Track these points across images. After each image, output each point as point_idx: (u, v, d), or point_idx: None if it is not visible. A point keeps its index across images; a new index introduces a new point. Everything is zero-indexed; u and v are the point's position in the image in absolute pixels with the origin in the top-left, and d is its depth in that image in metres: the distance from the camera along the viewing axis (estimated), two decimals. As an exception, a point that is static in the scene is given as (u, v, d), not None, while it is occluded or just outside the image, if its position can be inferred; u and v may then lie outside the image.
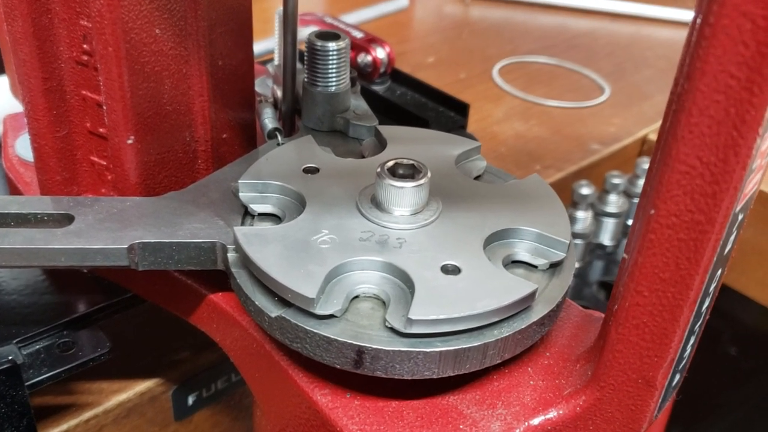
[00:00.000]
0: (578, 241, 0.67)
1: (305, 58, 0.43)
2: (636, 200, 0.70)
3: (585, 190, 0.65)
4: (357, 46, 0.62)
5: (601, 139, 0.74)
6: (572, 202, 0.67)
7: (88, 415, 0.45)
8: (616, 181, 0.68)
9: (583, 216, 0.67)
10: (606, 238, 0.70)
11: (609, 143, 0.73)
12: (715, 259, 0.28)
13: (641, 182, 0.71)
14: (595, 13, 1.00)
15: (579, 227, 0.67)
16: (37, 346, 0.40)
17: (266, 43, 0.72)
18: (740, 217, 0.29)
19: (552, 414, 0.33)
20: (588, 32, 0.96)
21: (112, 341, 0.41)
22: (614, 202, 0.69)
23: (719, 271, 0.30)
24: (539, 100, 0.79)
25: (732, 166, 0.25)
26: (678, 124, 0.25)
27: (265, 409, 0.38)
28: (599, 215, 0.69)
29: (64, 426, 0.44)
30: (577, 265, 0.68)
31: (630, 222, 0.71)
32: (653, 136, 0.76)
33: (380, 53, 0.62)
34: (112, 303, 0.42)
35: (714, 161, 0.25)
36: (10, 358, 0.37)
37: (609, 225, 0.70)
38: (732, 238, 0.29)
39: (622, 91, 0.83)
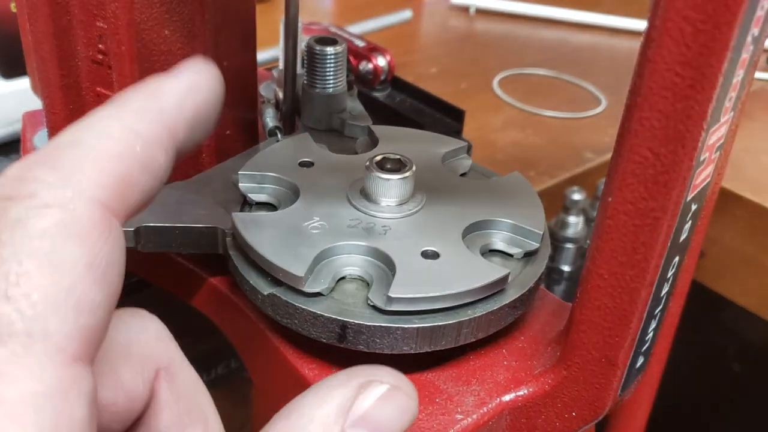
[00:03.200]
0: (570, 246, 0.70)
1: (305, 61, 0.46)
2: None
3: (576, 196, 0.68)
4: (359, 55, 0.65)
5: (595, 149, 0.76)
6: (564, 207, 0.69)
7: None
8: (607, 188, 0.71)
9: (575, 221, 0.69)
10: (598, 244, 0.73)
11: (602, 152, 0.76)
12: (669, 244, 0.30)
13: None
14: (596, 28, 1.03)
15: (570, 232, 0.69)
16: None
17: (273, 51, 0.75)
18: (693, 207, 0.31)
19: (522, 391, 0.35)
20: (588, 46, 0.99)
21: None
22: (606, 209, 0.71)
23: (677, 258, 0.33)
24: (537, 110, 0.82)
25: (680, 157, 0.28)
26: (631, 117, 0.28)
27: (259, 386, 0.41)
28: (590, 221, 0.72)
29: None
30: (568, 268, 0.71)
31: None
32: (647, 147, 0.79)
33: (381, 61, 0.65)
34: (120, 286, 0.45)
35: (664, 152, 0.28)
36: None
37: (601, 231, 0.72)
38: (687, 227, 0.32)
39: (619, 103, 0.85)
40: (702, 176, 0.30)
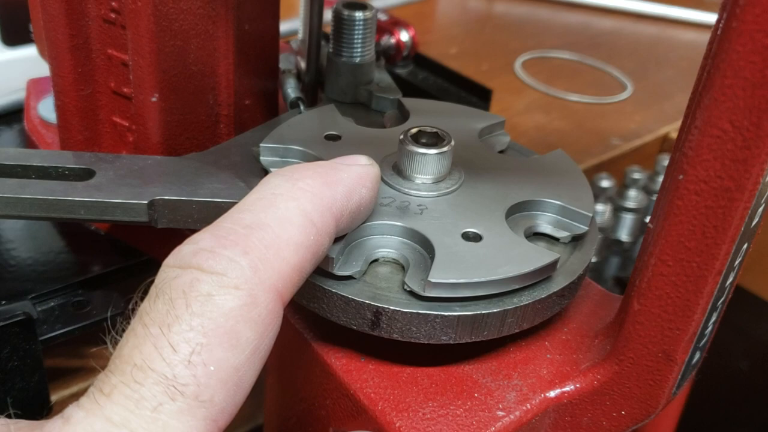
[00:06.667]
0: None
1: (331, 27, 0.43)
2: (656, 197, 0.69)
3: (605, 183, 0.65)
4: (381, 28, 0.62)
5: (621, 135, 0.73)
6: (591, 194, 0.66)
7: (98, 378, 0.45)
8: (636, 176, 0.68)
9: (602, 209, 0.66)
10: (623, 234, 0.70)
11: (630, 139, 0.73)
12: (742, 229, 0.28)
13: (661, 179, 0.70)
14: (619, 13, 0.99)
15: (597, 221, 0.66)
16: (52, 304, 0.40)
17: (289, 23, 0.72)
18: (770, 188, 0.28)
19: (569, 387, 0.33)
20: (611, 31, 0.96)
21: (125, 303, 0.41)
22: (633, 198, 0.68)
23: (745, 246, 0.30)
24: (561, 94, 0.79)
25: (765, 130, 0.25)
26: (711, 86, 0.25)
27: (278, 376, 0.38)
28: (618, 210, 0.69)
29: (75, 388, 0.44)
30: (593, 259, 0.68)
31: (649, 219, 0.70)
32: (674, 135, 0.76)
33: (404, 36, 0.61)
34: (128, 265, 0.42)
35: (747, 125, 0.25)
36: (25, 311, 0.37)
37: (627, 221, 0.69)
38: (760, 210, 0.29)
39: (644, 89, 0.82)
40: (783, 154, 0.27)
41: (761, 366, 0.95)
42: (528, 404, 0.32)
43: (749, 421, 0.93)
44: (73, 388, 0.44)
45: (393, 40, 0.61)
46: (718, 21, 0.25)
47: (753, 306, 0.86)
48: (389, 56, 0.62)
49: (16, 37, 0.63)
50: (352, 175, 0.29)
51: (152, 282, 0.25)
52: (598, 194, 0.65)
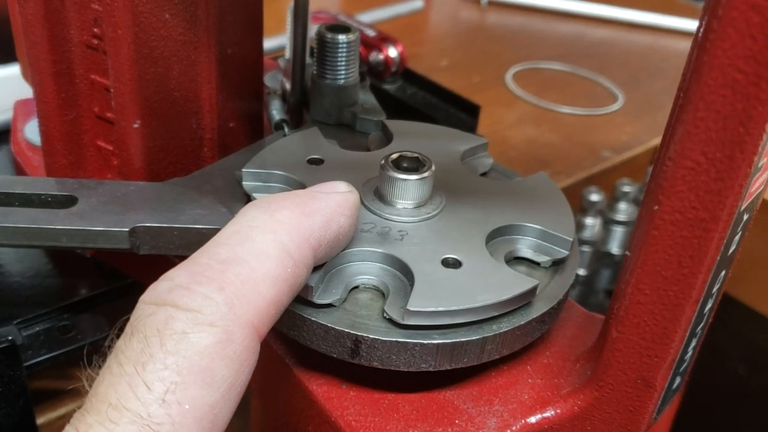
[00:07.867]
0: (586, 248, 0.67)
1: (315, 49, 0.43)
2: (646, 209, 0.69)
3: (594, 197, 0.65)
4: (369, 45, 0.62)
5: (612, 147, 0.73)
6: (581, 208, 0.66)
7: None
8: (626, 189, 0.68)
9: (592, 223, 0.66)
10: (614, 247, 0.70)
11: (621, 151, 0.73)
12: (718, 258, 0.28)
13: (652, 191, 0.70)
14: (612, 23, 1.00)
15: (587, 234, 0.66)
16: (37, 328, 0.40)
17: (278, 39, 0.72)
18: (745, 216, 0.28)
19: (549, 413, 0.33)
20: (604, 41, 0.96)
21: (110, 326, 0.41)
22: (624, 211, 0.69)
23: (723, 273, 0.30)
24: (552, 106, 0.79)
25: (738, 162, 0.25)
26: (684, 118, 0.25)
27: (262, 400, 0.38)
28: (608, 223, 0.69)
29: (62, 410, 0.44)
30: (584, 272, 0.68)
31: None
32: (666, 146, 0.76)
33: (392, 52, 0.62)
34: (113, 288, 0.42)
35: (719, 157, 0.25)
36: (9, 338, 0.37)
37: (618, 233, 0.69)
38: (737, 238, 0.29)
39: (636, 100, 0.82)
40: (757, 183, 0.27)
41: (759, 370, 0.94)
42: (509, 430, 0.32)
43: (747, 425, 0.93)
44: (61, 410, 0.44)
45: (381, 57, 0.61)
46: (690, 55, 0.25)
47: (747, 314, 0.86)
48: (377, 72, 0.62)
49: (4, 55, 0.63)
50: (331, 204, 0.29)
51: (128, 319, 0.25)
52: (588, 208, 0.65)
